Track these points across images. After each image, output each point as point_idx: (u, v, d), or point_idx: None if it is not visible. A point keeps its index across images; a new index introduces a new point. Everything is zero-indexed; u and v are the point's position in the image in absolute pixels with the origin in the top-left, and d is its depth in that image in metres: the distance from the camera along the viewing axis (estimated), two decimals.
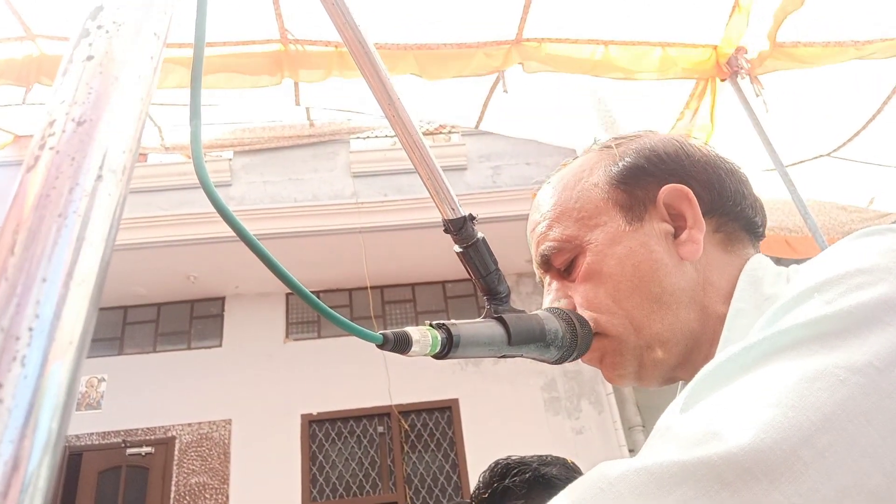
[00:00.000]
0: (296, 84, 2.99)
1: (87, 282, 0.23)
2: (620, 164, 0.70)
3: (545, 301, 0.72)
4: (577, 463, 1.50)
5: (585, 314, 0.67)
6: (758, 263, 0.65)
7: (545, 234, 0.71)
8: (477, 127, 3.32)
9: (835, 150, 3.39)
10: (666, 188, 0.67)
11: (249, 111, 3.25)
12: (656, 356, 0.65)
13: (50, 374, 0.21)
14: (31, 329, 0.21)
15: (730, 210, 0.69)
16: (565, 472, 1.41)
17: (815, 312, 0.41)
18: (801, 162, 3.55)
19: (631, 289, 0.65)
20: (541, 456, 1.46)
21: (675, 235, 0.67)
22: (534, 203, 0.77)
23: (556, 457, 1.47)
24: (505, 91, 2.87)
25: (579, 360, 0.69)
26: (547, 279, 0.73)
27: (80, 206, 0.24)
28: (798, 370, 0.38)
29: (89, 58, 0.28)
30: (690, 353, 0.65)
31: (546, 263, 0.71)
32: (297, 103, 3.17)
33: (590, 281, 0.67)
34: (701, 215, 0.66)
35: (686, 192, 0.66)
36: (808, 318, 0.41)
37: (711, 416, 0.39)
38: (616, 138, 0.74)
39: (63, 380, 0.22)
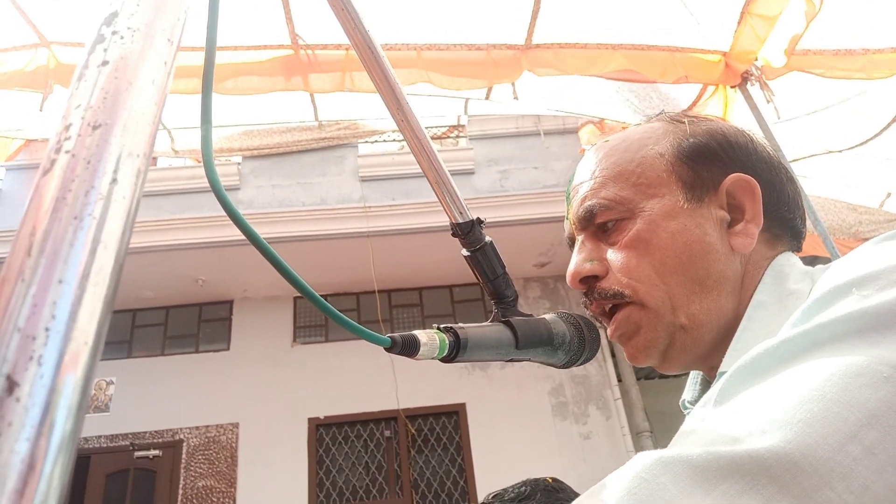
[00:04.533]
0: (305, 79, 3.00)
1: (101, 283, 0.24)
2: (691, 140, 0.68)
3: (573, 260, 0.70)
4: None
5: (622, 280, 0.65)
6: (785, 260, 0.65)
7: (596, 190, 0.69)
8: (488, 98, 3.29)
9: (849, 149, 3.37)
10: (733, 176, 0.66)
11: (259, 107, 3.28)
12: (688, 338, 0.64)
13: (65, 374, 0.22)
14: (47, 329, 0.22)
15: (783, 216, 0.68)
16: (546, 500, 1.39)
17: (853, 307, 0.41)
18: (813, 156, 3.53)
19: (678, 265, 0.63)
20: (519, 490, 1.43)
21: (729, 225, 0.66)
22: (584, 158, 0.74)
23: (534, 482, 1.44)
24: (515, 98, 2.88)
25: (588, 362, 0.68)
26: (580, 238, 0.71)
27: (95, 209, 0.25)
28: (841, 365, 0.38)
29: (104, 63, 0.28)
30: (720, 343, 0.64)
31: (587, 220, 0.69)
32: (307, 88, 3.15)
33: (635, 248, 0.65)
34: (761, 211, 0.65)
35: (753, 185, 0.65)
36: (847, 313, 0.41)
37: (754, 409, 0.39)
38: (687, 115, 0.73)
39: (78, 380, 0.22)
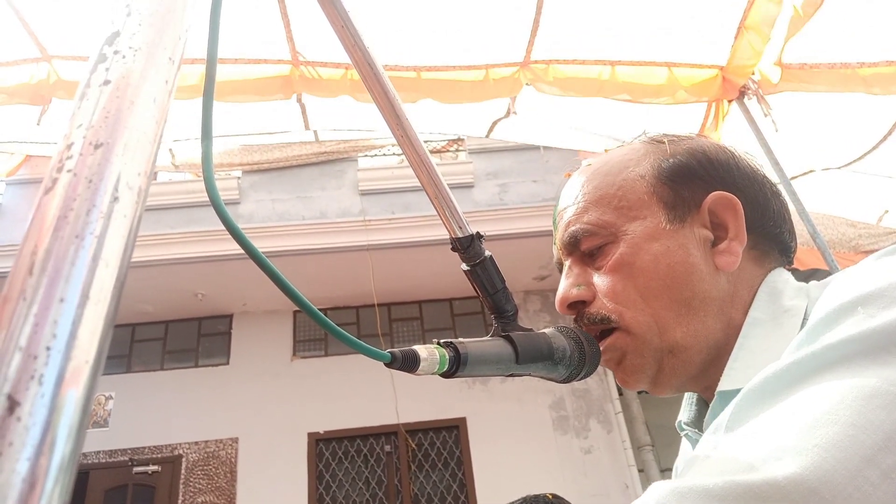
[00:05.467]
0: (303, 107, 3.03)
1: (102, 301, 0.24)
2: (671, 160, 0.68)
3: (562, 284, 0.70)
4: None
5: (609, 305, 0.65)
6: (779, 276, 0.64)
7: (579, 215, 0.69)
8: (487, 136, 3.34)
9: (846, 165, 3.38)
10: (714, 195, 0.66)
11: (258, 129, 3.32)
12: (677, 362, 0.63)
13: (66, 393, 0.22)
14: (48, 348, 0.22)
15: (769, 231, 0.67)
16: None
17: (860, 327, 0.41)
18: (810, 172, 3.54)
19: (662, 288, 0.63)
20: None
21: (713, 244, 0.65)
22: (568, 183, 0.74)
23: (534, 499, 1.43)
24: (514, 113, 2.89)
25: (589, 376, 0.68)
26: (567, 263, 0.71)
27: (96, 228, 0.25)
28: (852, 387, 0.37)
29: (106, 82, 0.29)
30: (710, 363, 0.63)
31: (572, 245, 0.69)
32: (307, 127, 3.21)
33: (619, 272, 0.65)
34: (744, 228, 0.65)
35: (734, 203, 0.65)
36: (855, 333, 0.41)
37: (767, 435, 0.38)
38: (667, 134, 0.72)
39: (79, 399, 0.22)
